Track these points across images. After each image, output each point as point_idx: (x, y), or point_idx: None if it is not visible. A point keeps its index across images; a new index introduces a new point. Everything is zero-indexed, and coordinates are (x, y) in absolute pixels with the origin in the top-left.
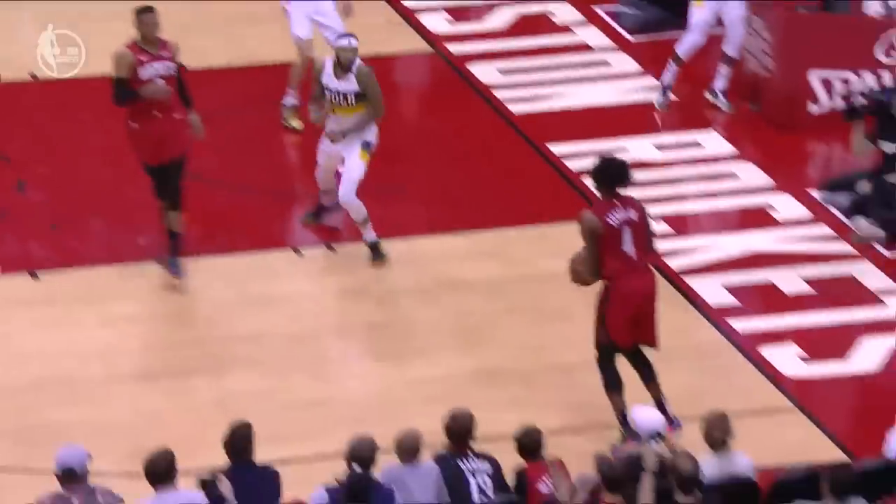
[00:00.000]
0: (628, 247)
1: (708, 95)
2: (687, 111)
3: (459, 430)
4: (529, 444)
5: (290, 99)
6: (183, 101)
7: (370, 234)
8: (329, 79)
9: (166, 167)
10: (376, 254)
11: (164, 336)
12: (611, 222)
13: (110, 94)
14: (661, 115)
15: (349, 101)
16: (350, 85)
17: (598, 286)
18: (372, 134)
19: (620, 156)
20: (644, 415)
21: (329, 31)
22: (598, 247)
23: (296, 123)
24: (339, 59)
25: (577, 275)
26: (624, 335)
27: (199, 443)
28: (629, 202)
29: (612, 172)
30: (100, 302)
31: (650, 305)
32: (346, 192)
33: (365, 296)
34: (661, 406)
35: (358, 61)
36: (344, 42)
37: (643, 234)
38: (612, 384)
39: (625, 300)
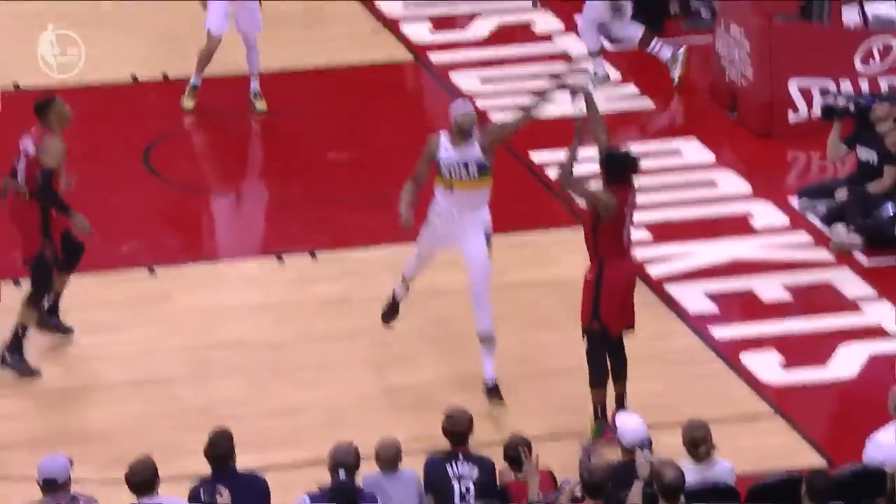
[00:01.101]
0: (626, 234)
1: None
2: (667, 119)
3: (455, 431)
4: (514, 456)
5: (195, 80)
6: None
7: (491, 370)
8: (446, 150)
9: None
10: (495, 395)
11: (146, 343)
12: (624, 212)
13: (41, 184)
14: (641, 122)
15: (470, 173)
16: (472, 152)
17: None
18: (490, 218)
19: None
20: (629, 424)
21: (246, 21)
22: (598, 225)
23: (189, 103)
24: (460, 127)
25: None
26: (616, 321)
27: (181, 450)
28: (634, 193)
29: (626, 163)
30: (82, 309)
31: (634, 289)
32: (485, 317)
33: (346, 303)
34: (621, 404)
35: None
36: (463, 109)
37: (632, 220)
38: (599, 377)
39: (618, 285)
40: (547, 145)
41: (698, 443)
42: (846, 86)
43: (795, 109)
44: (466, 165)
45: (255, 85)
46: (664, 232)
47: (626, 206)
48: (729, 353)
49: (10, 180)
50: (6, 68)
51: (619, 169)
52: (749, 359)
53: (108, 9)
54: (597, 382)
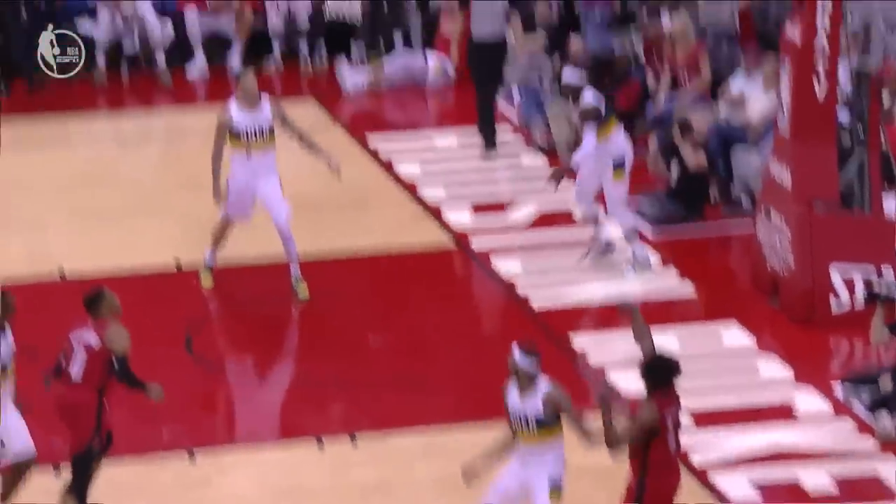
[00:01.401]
0: (672, 441)
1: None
2: (707, 304)
3: None
4: None
5: (209, 259)
6: None
7: None
8: (512, 399)
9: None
10: None
11: None
12: (666, 423)
13: (121, 370)
14: (681, 307)
15: (530, 426)
16: (531, 403)
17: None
18: (561, 465)
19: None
20: None
21: (274, 209)
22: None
23: (206, 281)
24: (519, 376)
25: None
26: None
27: None
28: (677, 398)
29: (668, 368)
30: (121, 496)
31: (675, 500)
32: None
33: (386, 489)
34: None
35: (545, 382)
36: (521, 360)
37: (679, 429)
38: None
39: (660, 501)
40: (587, 329)
41: None
42: (888, 273)
43: (837, 297)
44: (526, 418)
45: (295, 269)
46: (706, 418)
47: (670, 413)
48: None
49: (54, 374)
50: (54, 258)
51: (661, 376)
52: None
53: (152, 200)
54: None
